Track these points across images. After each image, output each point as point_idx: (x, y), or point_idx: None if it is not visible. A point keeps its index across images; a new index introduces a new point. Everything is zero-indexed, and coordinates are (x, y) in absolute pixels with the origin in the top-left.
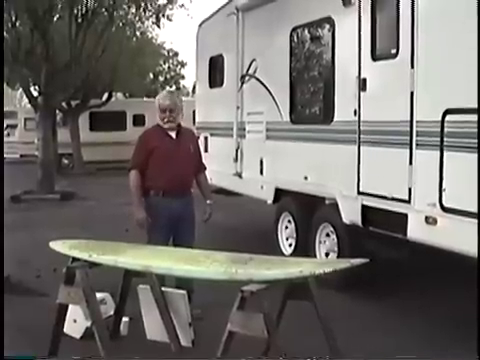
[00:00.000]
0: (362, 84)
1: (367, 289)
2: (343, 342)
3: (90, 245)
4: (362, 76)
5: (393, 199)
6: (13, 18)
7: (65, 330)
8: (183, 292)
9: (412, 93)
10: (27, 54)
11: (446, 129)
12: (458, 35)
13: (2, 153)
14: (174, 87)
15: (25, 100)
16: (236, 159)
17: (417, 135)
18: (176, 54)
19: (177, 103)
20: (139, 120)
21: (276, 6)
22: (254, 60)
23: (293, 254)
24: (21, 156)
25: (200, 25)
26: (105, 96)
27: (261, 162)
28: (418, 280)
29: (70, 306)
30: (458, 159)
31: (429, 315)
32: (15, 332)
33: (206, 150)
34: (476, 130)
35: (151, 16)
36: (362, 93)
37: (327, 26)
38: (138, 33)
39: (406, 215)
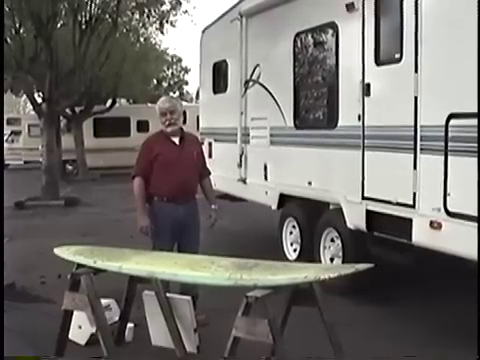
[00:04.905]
0: (366, 89)
1: (372, 294)
2: (348, 347)
3: (95, 251)
4: (366, 81)
5: (398, 204)
6: (17, 25)
7: (70, 336)
8: (188, 298)
9: (416, 98)
10: (31, 61)
11: (450, 133)
12: (462, 39)
13: (2, 158)
14: (178, 93)
15: (29, 107)
16: (240, 165)
17: (421, 140)
18: (180, 60)
19: (177, 106)
20: (143, 126)
21: (279, 12)
22: (258, 65)
23: (298, 259)
24: (25, 162)
25: (204, 31)
26: (109, 102)
27: (265, 167)
28: (423, 285)
29: (75, 312)
30: (462, 163)
31: (433, 320)
32: (20, 338)
33: (210, 156)
34: None
35: (155, 22)
36: (366, 98)
37: (331, 31)
38: (142, 39)
39: (411, 220)
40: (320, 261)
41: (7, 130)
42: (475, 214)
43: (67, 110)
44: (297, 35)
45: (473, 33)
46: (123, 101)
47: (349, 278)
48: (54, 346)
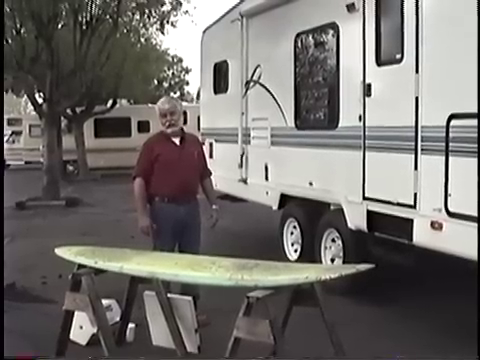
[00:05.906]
0: (367, 89)
1: (373, 294)
2: (349, 347)
3: (96, 252)
4: (367, 81)
5: (398, 204)
6: (18, 25)
7: (71, 337)
8: (189, 298)
9: (417, 98)
10: (32, 61)
11: (451, 134)
12: (463, 39)
13: (2, 158)
14: (178, 93)
15: (30, 107)
16: (241, 165)
17: (422, 140)
18: (180, 60)
19: (177, 106)
20: (144, 126)
21: (280, 12)
22: (258, 66)
23: (298, 260)
24: (26, 163)
25: (204, 31)
26: (110, 103)
27: (266, 168)
28: (423, 285)
29: (76, 313)
30: (463, 164)
31: (434, 320)
32: (21, 339)
33: (211, 156)
34: None
35: (155, 23)
36: (367, 98)
37: (331, 32)
38: (142, 39)
39: (412, 220)
40: (321, 261)
41: (8, 130)
42: (476, 214)
43: (68, 110)
44: (298, 35)
45: (473, 34)
46: (124, 101)
47: (350, 278)
48: (55, 346)
